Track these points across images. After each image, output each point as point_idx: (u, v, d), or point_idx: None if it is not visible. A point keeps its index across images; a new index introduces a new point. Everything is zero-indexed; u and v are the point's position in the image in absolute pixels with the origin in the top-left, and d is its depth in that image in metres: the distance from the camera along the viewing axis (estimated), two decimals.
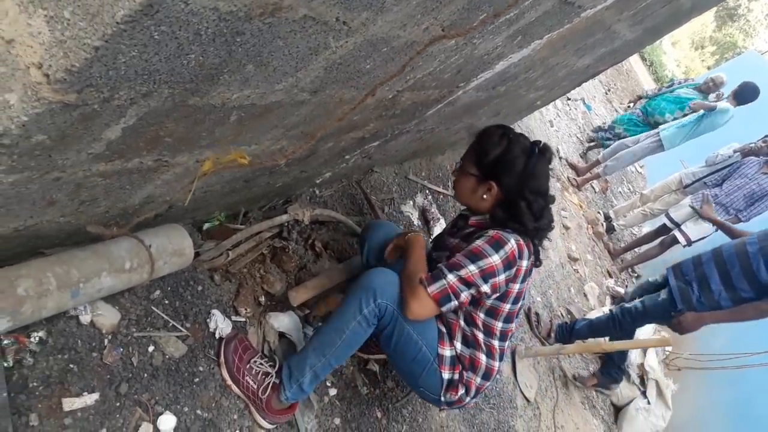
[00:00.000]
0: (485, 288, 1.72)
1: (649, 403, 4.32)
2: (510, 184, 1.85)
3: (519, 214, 1.82)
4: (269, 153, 1.54)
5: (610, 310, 3.87)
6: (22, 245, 1.33)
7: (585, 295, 4.99)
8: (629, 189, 8.31)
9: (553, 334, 3.92)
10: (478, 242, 1.76)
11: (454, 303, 1.73)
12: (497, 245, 1.74)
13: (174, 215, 1.73)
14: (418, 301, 1.72)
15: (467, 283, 1.71)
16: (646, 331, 4.53)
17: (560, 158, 6.33)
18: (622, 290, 5.36)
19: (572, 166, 6.49)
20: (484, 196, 1.89)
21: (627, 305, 3.70)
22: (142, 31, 0.71)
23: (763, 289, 3.03)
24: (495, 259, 1.71)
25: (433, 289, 1.72)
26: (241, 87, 1.03)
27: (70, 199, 1.20)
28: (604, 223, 6.24)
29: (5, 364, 1.33)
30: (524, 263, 1.79)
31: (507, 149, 1.85)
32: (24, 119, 0.81)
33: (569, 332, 3.89)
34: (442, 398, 1.92)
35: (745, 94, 5.54)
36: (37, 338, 1.41)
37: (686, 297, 3.33)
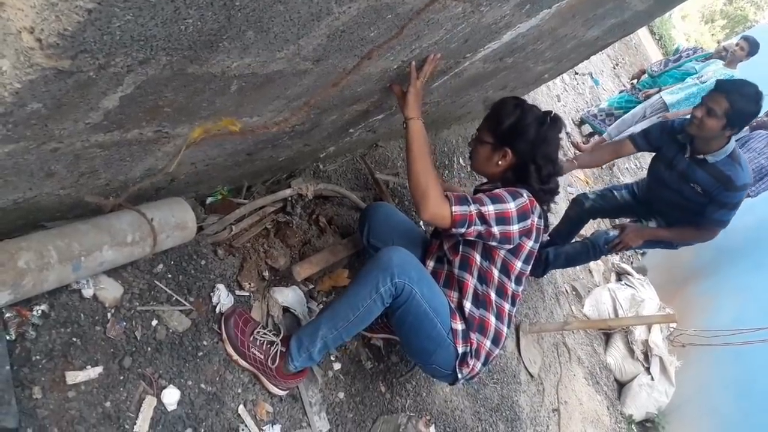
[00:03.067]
0: (495, 230, 1.77)
1: (652, 379, 4.33)
2: (523, 150, 1.92)
3: (527, 176, 1.91)
4: (271, 124, 1.51)
5: (583, 239, 3.80)
6: (22, 218, 1.32)
7: (590, 272, 4.97)
8: (636, 165, 8.23)
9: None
10: (498, 190, 1.86)
11: (463, 230, 1.77)
12: (513, 195, 1.83)
13: (176, 189, 1.72)
14: (438, 208, 1.74)
15: (482, 219, 1.76)
16: (651, 308, 4.53)
17: (567, 133, 6.24)
18: (627, 266, 5.33)
19: (575, 145, 6.31)
20: (499, 162, 1.96)
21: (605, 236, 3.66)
22: None
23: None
24: (511, 206, 1.79)
25: (457, 210, 1.74)
26: (241, 55, 1.00)
27: (69, 170, 1.18)
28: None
29: (8, 338, 1.33)
30: (536, 219, 1.88)
31: (521, 117, 1.92)
32: (17, 86, 0.79)
33: (544, 265, 3.78)
34: (458, 373, 1.95)
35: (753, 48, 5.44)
36: (39, 312, 1.41)
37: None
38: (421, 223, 2.70)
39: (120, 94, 0.94)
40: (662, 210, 3.37)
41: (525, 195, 1.84)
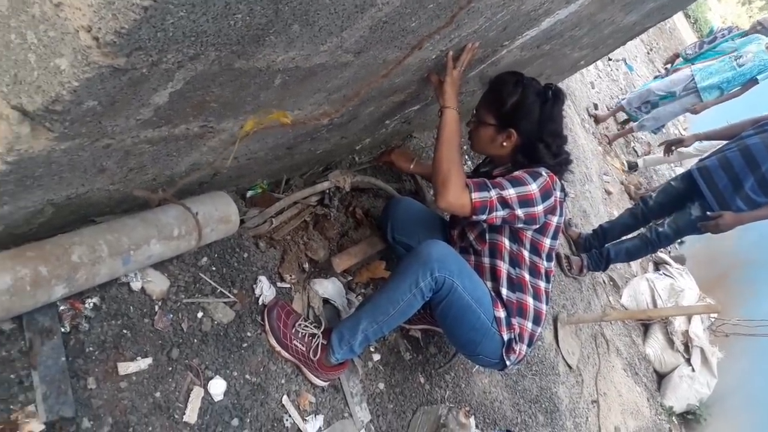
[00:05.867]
0: (519, 212, 1.77)
1: (693, 370, 4.26)
2: (529, 130, 1.89)
3: (539, 156, 1.89)
4: (312, 117, 1.52)
5: (642, 234, 3.84)
6: (73, 213, 1.35)
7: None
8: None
9: (585, 270, 3.89)
10: (517, 172, 1.84)
11: (485, 216, 1.76)
12: (533, 175, 1.81)
13: (218, 183, 1.74)
14: (457, 196, 1.74)
15: (504, 203, 1.76)
16: (690, 298, 4.44)
17: (588, 108, 6.08)
18: (665, 256, 5.22)
19: (595, 118, 6.13)
20: (504, 144, 1.93)
21: (660, 229, 3.70)
22: None
23: None
24: (533, 188, 1.78)
25: (477, 196, 1.74)
26: (286, 48, 1.01)
27: (119, 166, 1.21)
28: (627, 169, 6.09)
29: (62, 330, 1.37)
30: (558, 194, 1.87)
31: (523, 96, 1.88)
32: (75, 85, 0.81)
33: (606, 261, 3.88)
34: (506, 360, 1.95)
35: None
36: (91, 304, 1.45)
37: (721, 200, 3.37)
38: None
39: (170, 90, 0.96)
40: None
41: (544, 173, 1.83)
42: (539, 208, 1.78)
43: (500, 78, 1.95)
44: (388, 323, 1.82)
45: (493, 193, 1.75)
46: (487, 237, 1.96)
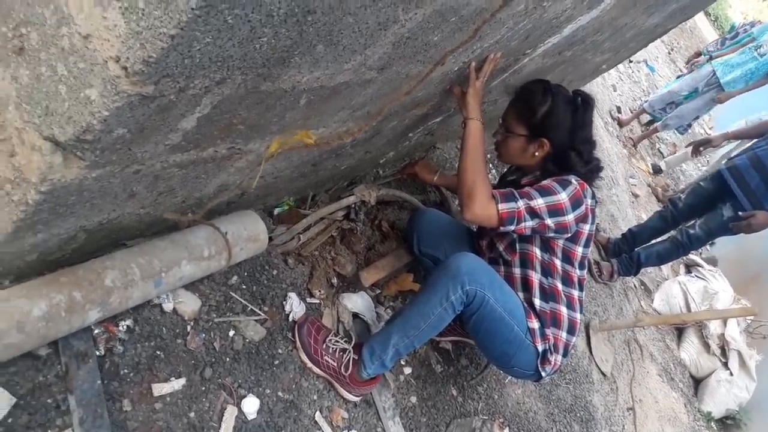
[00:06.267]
0: (549, 222, 1.75)
1: (731, 374, 4.15)
2: (561, 139, 1.86)
3: (571, 164, 1.86)
4: (336, 135, 1.53)
5: (673, 237, 3.78)
6: (105, 237, 1.37)
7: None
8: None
9: (615, 275, 3.84)
10: (546, 181, 1.81)
11: (513, 227, 1.74)
12: (562, 184, 1.78)
13: (245, 202, 1.76)
14: (483, 207, 1.72)
15: (533, 213, 1.74)
16: (725, 300, 4.34)
17: (610, 112, 6.01)
18: (697, 258, 5.12)
19: (619, 122, 6.06)
20: (536, 153, 1.89)
21: (691, 231, 3.64)
22: (216, 16, 0.70)
23: None
24: (563, 197, 1.75)
25: (504, 207, 1.72)
26: (311, 69, 1.01)
27: (149, 191, 1.23)
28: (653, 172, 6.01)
29: (97, 353, 1.38)
30: (589, 201, 1.83)
31: (553, 105, 1.84)
32: (105, 114, 0.82)
33: (636, 265, 3.83)
34: (542, 372, 1.93)
35: None
36: (125, 327, 1.46)
37: (754, 199, 3.31)
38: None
39: (198, 114, 0.97)
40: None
41: (574, 181, 1.80)
42: (570, 217, 1.76)
43: (527, 88, 1.92)
44: (419, 337, 1.81)
45: (521, 204, 1.73)
46: (517, 247, 1.93)
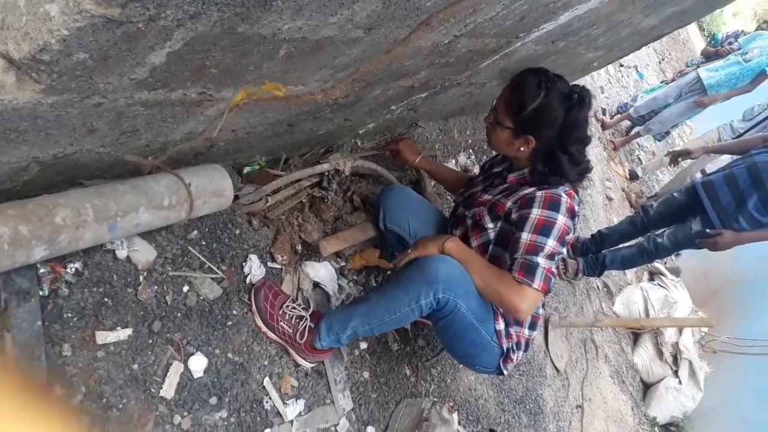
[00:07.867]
0: (563, 249, 1.71)
1: (680, 383, 4.23)
2: (550, 138, 1.74)
3: (561, 168, 1.74)
4: (314, 94, 1.47)
5: (640, 243, 3.79)
6: (60, 174, 1.30)
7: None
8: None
9: (580, 274, 3.87)
10: (536, 212, 1.69)
11: (553, 281, 1.69)
12: (555, 206, 1.68)
13: (214, 156, 1.69)
14: (528, 302, 1.65)
15: (553, 257, 1.67)
16: (683, 310, 4.41)
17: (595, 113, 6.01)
18: (661, 266, 5.18)
19: (602, 124, 6.06)
20: (521, 149, 1.79)
21: (658, 240, 3.65)
22: None
23: None
24: (562, 220, 1.68)
25: (538, 282, 1.64)
26: (293, 16, 0.96)
27: (111, 128, 1.16)
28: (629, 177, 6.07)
29: (41, 293, 1.32)
30: (576, 207, 1.76)
31: (545, 101, 1.69)
32: (65, 33, 0.75)
33: (601, 266, 3.84)
34: (503, 369, 1.93)
35: None
36: (73, 269, 1.40)
37: (724, 216, 3.30)
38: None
39: (168, 49, 0.91)
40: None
41: (564, 195, 1.71)
42: (572, 234, 1.73)
43: (522, 77, 1.75)
44: (380, 327, 1.77)
45: (541, 260, 1.65)
46: (490, 249, 1.86)
